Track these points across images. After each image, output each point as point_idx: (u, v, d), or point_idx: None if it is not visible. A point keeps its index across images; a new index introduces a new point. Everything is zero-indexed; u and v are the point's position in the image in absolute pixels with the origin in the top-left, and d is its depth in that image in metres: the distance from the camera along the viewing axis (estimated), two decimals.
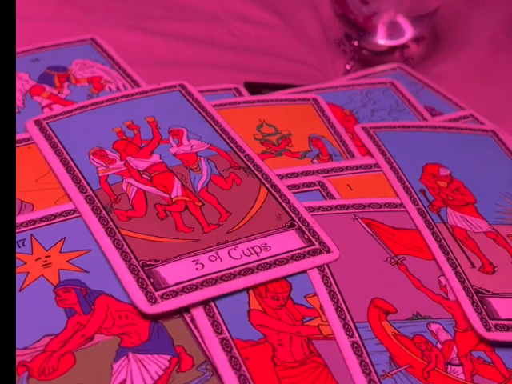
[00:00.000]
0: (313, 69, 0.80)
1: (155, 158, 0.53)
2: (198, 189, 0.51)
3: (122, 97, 0.58)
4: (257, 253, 0.47)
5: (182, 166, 0.53)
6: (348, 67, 0.79)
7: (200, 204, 0.50)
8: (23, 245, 0.46)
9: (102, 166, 0.52)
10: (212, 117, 0.57)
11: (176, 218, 0.49)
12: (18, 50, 0.63)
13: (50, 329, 0.42)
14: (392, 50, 0.81)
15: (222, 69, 0.75)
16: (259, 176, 0.53)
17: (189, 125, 0.56)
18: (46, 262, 0.45)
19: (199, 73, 0.74)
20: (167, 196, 0.50)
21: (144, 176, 0.52)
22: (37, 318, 0.42)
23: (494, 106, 0.74)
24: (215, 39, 0.79)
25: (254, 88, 0.72)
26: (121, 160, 0.53)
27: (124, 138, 0.55)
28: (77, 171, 0.51)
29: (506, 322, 0.46)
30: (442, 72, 0.81)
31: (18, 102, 0.59)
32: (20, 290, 0.44)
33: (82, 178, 0.50)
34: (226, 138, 0.55)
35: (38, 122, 0.55)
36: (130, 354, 0.41)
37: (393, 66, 0.75)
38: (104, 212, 0.48)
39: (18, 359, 0.40)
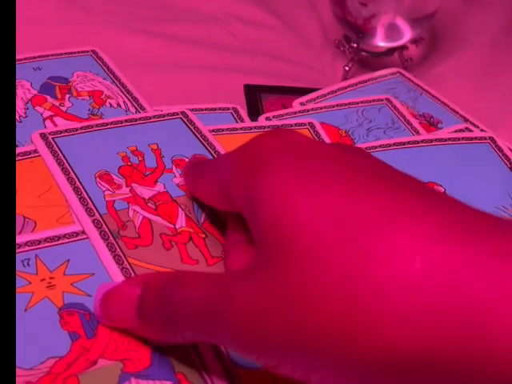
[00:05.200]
0: (312, 70, 0.80)
1: (160, 187, 0.53)
2: (202, 220, 0.51)
3: (126, 121, 0.58)
4: None
5: (186, 196, 0.53)
6: (347, 69, 0.80)
7: (204, 236, 0.50)
8: (28, 264, 0.46)
9: (109, 190, 0.52)
10: (213, 147, 0.57)
11: (181, 249, 0.49)
12: (18, 56, 0.62)
13: (55, 351, 0.42)
14: (391, 51, 0.81)
15: (221, 70, 0.75)
16: None
17: (191, 155, 0.56)
18: (50, 283, 0.45)
19: (199, 75, 0.74)
20: (172, 226, 0.50)
21: (149, 204, 0.52)
22: (42, 340, 0.43)
23: (493, 107, 0.75)
24: (215, 41, 0.79)
25: (254, 90, 0.72)
26: (126, 186, 0.53)
27: (129, 163, 0.55)
28: (84, 193, 0.51)
29: None
30: (440, 73, 0.82)
31: (20, 111, 0.58)
32: (25, 310, 0.44)
33: (89, 201, 0.50)
34: None
35: (43, 136, 0.55)
36: (133, 380, 0.42)
37: (392, 71, 0.75)
38: (111, 238, 0.48)
39: (23, 379, 0.41)
